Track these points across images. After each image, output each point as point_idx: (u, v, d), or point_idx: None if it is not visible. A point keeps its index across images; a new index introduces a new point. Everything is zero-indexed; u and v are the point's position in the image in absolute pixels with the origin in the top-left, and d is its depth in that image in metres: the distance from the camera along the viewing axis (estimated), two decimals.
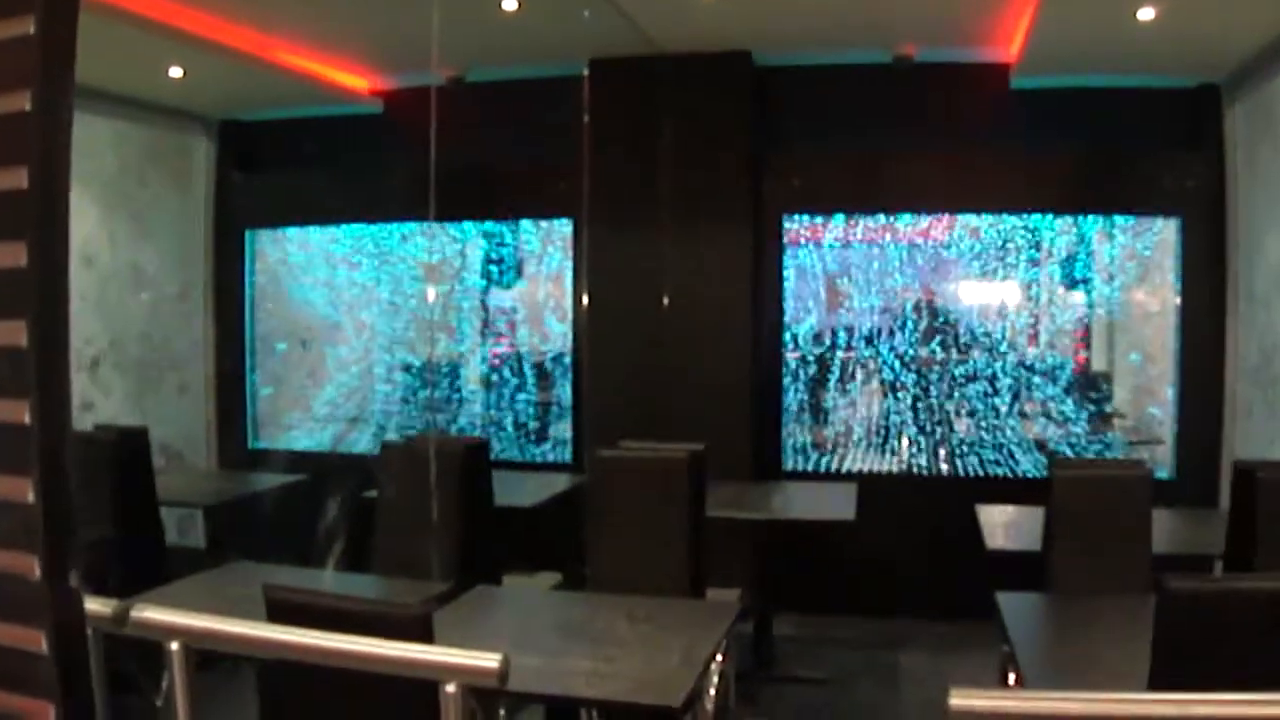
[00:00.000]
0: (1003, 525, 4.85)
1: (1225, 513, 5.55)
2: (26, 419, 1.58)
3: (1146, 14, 5.09)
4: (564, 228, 7.21)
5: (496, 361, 7.75)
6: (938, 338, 6.98)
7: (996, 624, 4.56)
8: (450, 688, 2.05)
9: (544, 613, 3.65)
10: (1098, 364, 7.28)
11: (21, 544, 1.59)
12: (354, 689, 2.36)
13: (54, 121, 1.60)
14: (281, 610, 2.47)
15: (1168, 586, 2.52)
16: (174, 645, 2.25)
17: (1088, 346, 7.25)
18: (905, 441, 6.89)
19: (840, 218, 6.97)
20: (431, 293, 7.74)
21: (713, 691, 3.14)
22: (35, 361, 1.57)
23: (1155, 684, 2.49)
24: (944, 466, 6.82)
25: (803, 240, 6.98)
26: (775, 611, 5.70)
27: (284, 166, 7.53)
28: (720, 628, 3.26)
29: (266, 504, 5.68)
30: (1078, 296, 7.23)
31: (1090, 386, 7.11)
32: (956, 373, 6.92)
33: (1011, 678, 4.31)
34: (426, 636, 2.34)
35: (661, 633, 3.32)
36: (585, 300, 6.62)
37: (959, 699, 2.00)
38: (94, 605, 2.04)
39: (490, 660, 2.04)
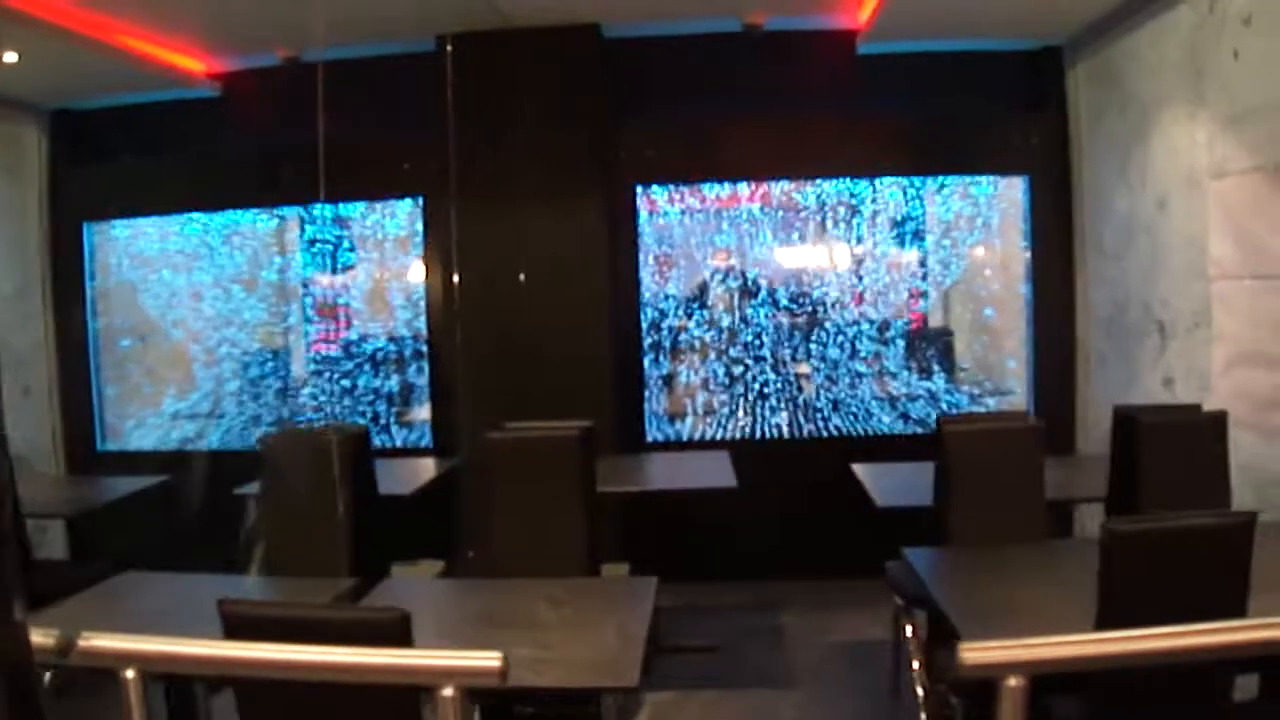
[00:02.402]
0: (883, 482, 4.88)
1: (1088, 457, 5.82)
2: None
3: None
4: (408, 207, 7.08)
5: (330, 347, 7.58)
6: (777, 303, 7.07)
7: (889, 580, 4.65)
8: (448, 691, 1.99)
9: (458, 603, 3.54)
10: (940, 320, 7.46)
11: None
12: (320, 705, 2.26)
13: None
14: (242, 625, 2.30)
15: (1113, 528, 2.61)
16: (129, 673, 2.13)
17: (926, 303, 7.43)
18: (761, 407, 6.96)
19: (670, 188, 7.02)
20: (265, 281, 7.54)
21: None
22: None
23: (1105, 622, 2.57)
24: (805, 429, 6.91)
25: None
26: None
27: (121, 155, 7.20)
28: (646, 604, 3.22)
29: (128, 509, 5.42)
30: (913, 255, 7.40)
31: (933, 343, 7.28)
32: (798, 337, 7.03)
33: (909, 629, 4.42)
34: (406, 640, 2.23)
35: (587, 614, 3.27)
36: (457, 279, 6.46)
37: (971, 653, 2.02)
38: (34, 636, 1.89)
39: (489, 659, 1.99)
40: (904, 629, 4.52)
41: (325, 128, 6.66)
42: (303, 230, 7.70)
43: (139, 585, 3.79)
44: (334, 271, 7.76)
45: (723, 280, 7.10)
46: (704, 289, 7.12)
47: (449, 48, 6.36)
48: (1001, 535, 4.01)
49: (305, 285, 7.75)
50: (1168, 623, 2.13)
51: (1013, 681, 2.08)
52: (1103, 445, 6.03)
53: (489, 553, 4.14)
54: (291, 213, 7.54)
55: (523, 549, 4.00)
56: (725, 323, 7.03)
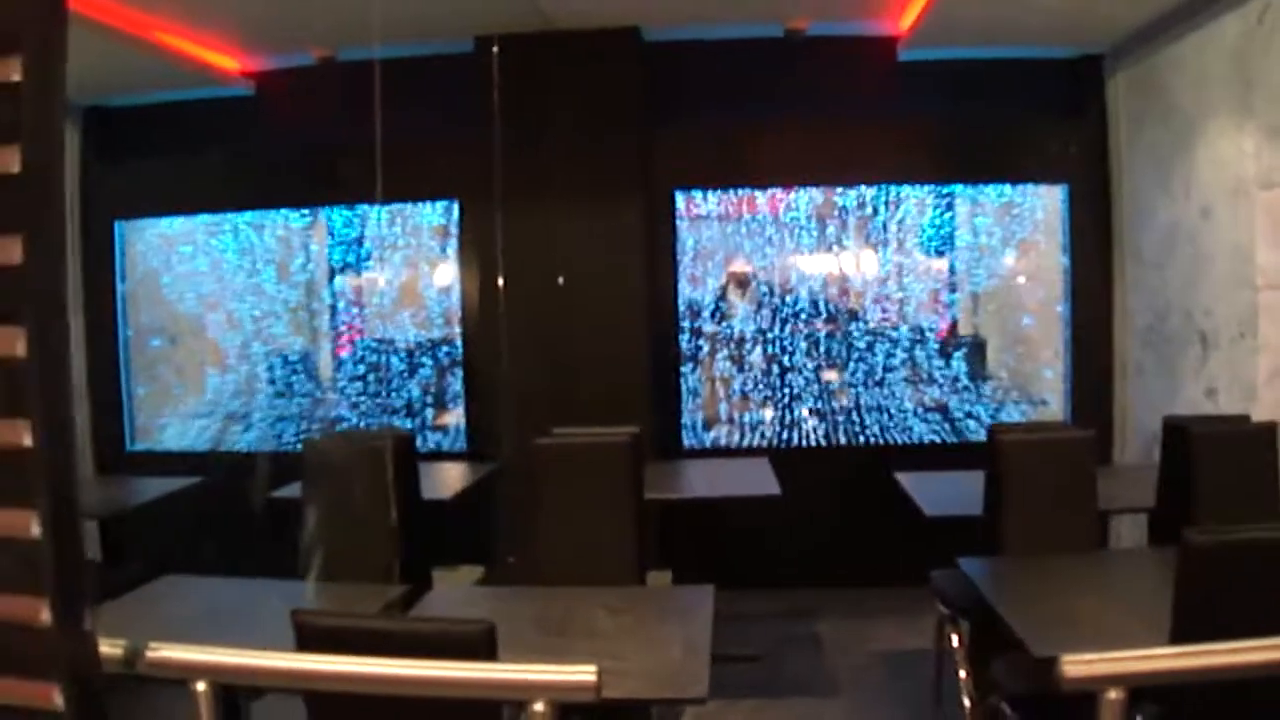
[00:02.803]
0: (927, 491, 4.84)
1: (1126, 468, 5.80)
2: (28, 441, 1.39)
3: None
4: (444, 209, 7.05)
5: (351, 349, 7.55)
6: (809, 309, 7.05)
7: (933, 589, 4.61)
8: (539, 706, 1.95)
9: (514, 611, 3.46)
10: (972, 329, 7.42)
11: (28, 586, 1.39)
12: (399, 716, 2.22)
13: (47, 89, 1.40)
14: (317, 637, 2.25)
15: (1193, 540, 2.58)
16: (200, 685, 2.07)
17: (957, 310, 7.39)
18: (793, 413, 6.93)
19: (709, 193, 7.00)
20: (298, 281, 7.52)
21: None
22: (37, 374, 1.39)
23: (1182, 635, 2.54)
24: (837, 435, 6.88)
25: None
26: None
27: (153, 153, 7.15)
28: (705, 613, 3.20)
29: (161, 510, 5.39)
30: (945, 262, 7.36)
31: (965, 351, 7.24)
32: (829, 343, 7.00)
33: (954, 639, 4.38)
34: (491, 653, 2.18)
35: (647, 623, 3.26)
36: (501, 282, 6.42)
37: (1073, 666, 1.99)
38: (102, 647, 1.85)
39: (583, 674, 1.96)
40: (949, 639, 4.48)
41: (359, 128, 6.70)
42: (333, 232, 7.67)
43: (181, 589, 3.77)
44: (363, 272, 7.73)
45: (753, 286, 7.07)
46: (734, 292, 7.08)
47: (495, 49, 6.32)
48: (1054, 545, 3.98)
49: (335, 286, 7.71)
50: (1246, 635, 2.10)
51: (1113, 694, 2.06)
52: (1141, 455, 6.06)
53: (533, 559, 4.10)
54: (324, 213, 7.50)
55: (570, 555, 3.97)
56: (755, 328, 6.99)
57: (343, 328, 7.74)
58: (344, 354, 7.64)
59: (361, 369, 7.48)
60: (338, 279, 7.72)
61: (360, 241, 7.58)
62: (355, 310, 7.77)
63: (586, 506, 3.99)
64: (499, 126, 6.32)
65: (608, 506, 3.99)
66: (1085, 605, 3.29)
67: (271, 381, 7.54)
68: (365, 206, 7.32)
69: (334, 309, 7.76)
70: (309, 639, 2.26)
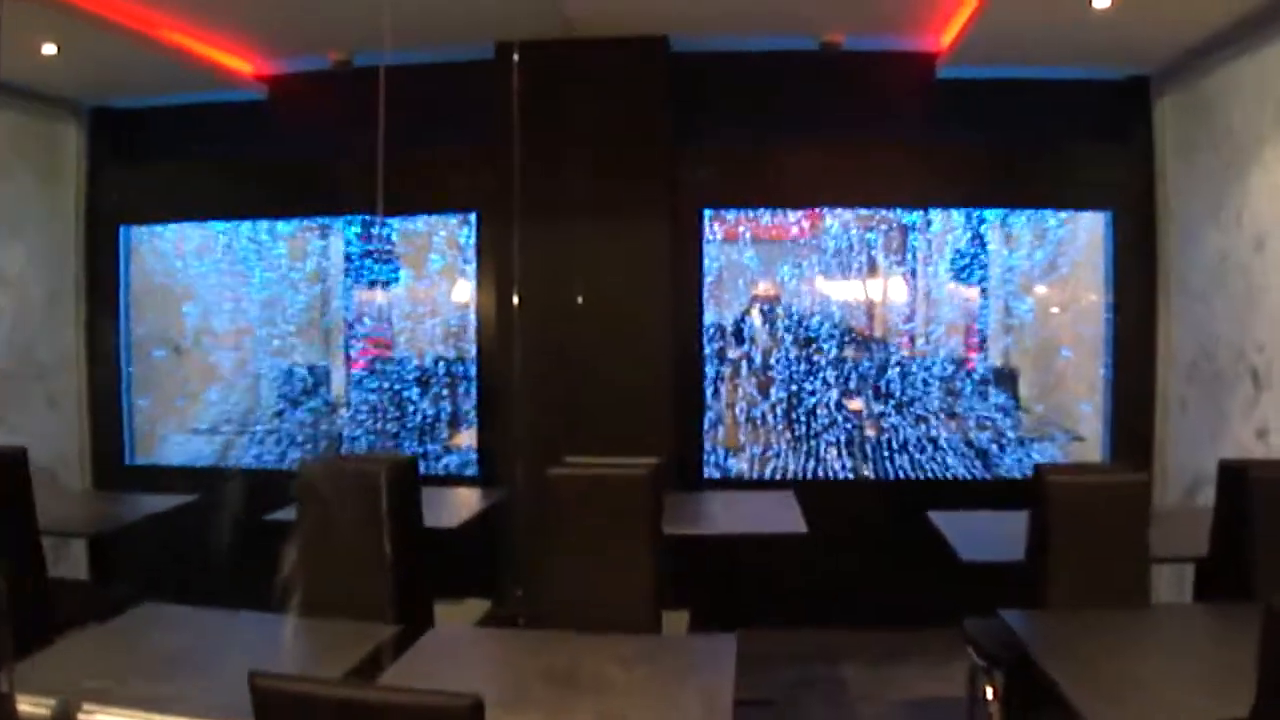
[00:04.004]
0: (961, 531, 4.54)
1: (1169, 513, 5.47)
2: None
3: (1102, 2, 4.88)
4: (459, 221, 6.81)
5: (372, 365, 7.34)
6: (834, 337, 6.83)
7: (967, 636, 4.33)
8: None
9: (519, 659, 3.20)
10: (1007, 361, 7.19)
11: None
12: None
13: None
14: (279, 706, 1.97)
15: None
16: None
17: (988, 341, 7.18)
18: (817, 445, 6.69)
19: (736, 213, 6.79)
20: (312, 293, 7.31)
21: None
22: None
23: (1264, 713, 2.24)
24: (863, 468, 6.62)
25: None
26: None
27: (161, 158, 6.94)
28: (726, 666, 2.96)
29: (155, 529, 5.15)
30: (977, 291, 7.15)
31: (999, 383, 7.01)
32: (855, 373, 6.79)
33: (989, 691, 4.10)
34: None
35: (664, 678, 2.99)
36: (516, 300, 6.18)
37: None
38: (26, 706, 1.59)
39: None
40: (983, 689, 4.20)
41: (376, 137, 6.48)
42: (347, 242, 7.48)
43: (156, 620, 3.50)
44: (377, 287, 7.54)
45: (779, 310, 6.83)
46: (758, 316, 6.84)
47: (515, 56, 6.08)
48: (1102, 597, 3.69)
49: (351, 299, 7.52)
50: None
51: None
52: (1181, 498, 5.76)
53: (543, 596, 3.84)
54: (336, 224, 7.30)
55: (582, 595, 3.70)
56: (781, 354, 6.75)
57: (358, 343, 7.54)
58: (358, 369, 7.43)
59: (376, 385, 7.27)
60: (354, 292, 7.53)
61: (377, 254, 7.37)
62: (372, 325, 7.57)
63: (600, 543, 3.72)
64: (518, 136, 6.10)
65: (623, 544, 3.72)
66: (1144, 669, 3.01)
67: (284, 397, 7.35)
68: (389, 218, 7.12)
69: (349, 323, 7.57)
70: (269, 708, 1.99)
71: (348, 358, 7.61)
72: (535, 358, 6.16)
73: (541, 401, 6.10)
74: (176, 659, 3.00)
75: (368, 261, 7.51)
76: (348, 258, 7.59)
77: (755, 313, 6.89)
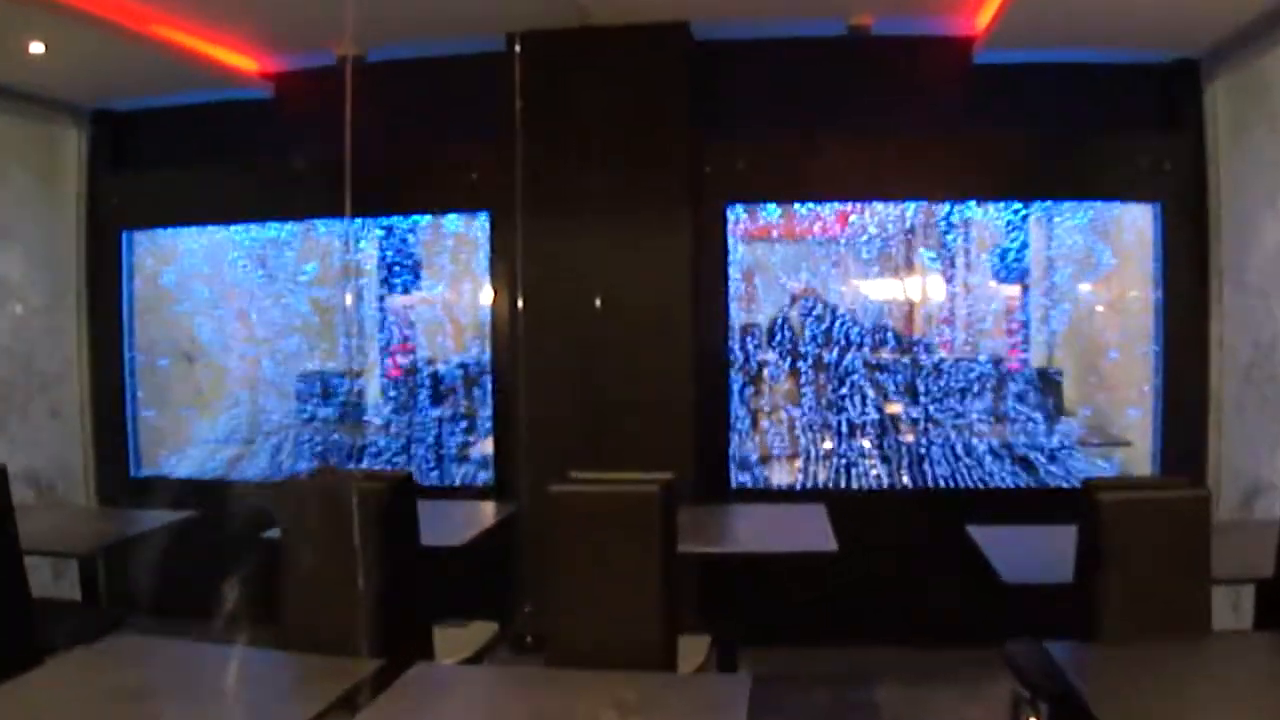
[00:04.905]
0: (1004, 547, 4.18)
1: (1229, 526, 5.09)
2: None
3: None
4: (477, 222, 6.51)
5: (398, 373, 7.10)
6: (875, 338, 6.53)
7: (1008, 662, 3.98)
8: None
9: (505, 703, 2.91)
10: (1051, 362, 6.88)
11: None
12: None
13: None
14: None
15: None
16: None
17: (1031, 341, 6.89)
18: (849, 450, 6.39)
19: (772, 209, 6.51)
20: (328, 298, 7.06)
21: None
22: None
23: None
24: (899, 476, 6.31)
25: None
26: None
27: (164, 160, 6.71)
28: (737, 715, 2.62)
29: (151, 547, 4.89)
30: (1018, 289, 6.86)
31: (1042, 386, 6.67)
32: (898, 376, 6.49)
33: None
34: None
35: None
36: (520, 303, 5.90)
37: None
38: None
39: None
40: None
41: (386, 134, 6.24)
42: (358, 245, 7.25)
43: (127, 652, 3.23)
44: (399, 291, 7.35)
45: (814, 311, 6.53)
46: (793, 318, 6.54)
47: (525, 47, 5.81)
48: (1157, 623, 3.32)
49: (373, 304, 7.31)
50: None
51: None
52: (1236, 508, 5.40)
53: (549, 619, 3.54)
54: (349, 225, 7.05)
55: (589, 620, 3.39)
56: (813, 357, 6.45)
57: (385, 349, 7.31)
58: (363, 379, 7.21)
59: (395, 395, 7.04)
60: (376, 297, 7.31)
61: (399, 257, 7.17)
62: (396, 330, 7.36)
63: (607, 567, 3.38)
64: (530, 132, 5.83)
65: (633, 566, 3.38)
66: (1202, 713, 2.70)
67: (304, 407, 7.11)
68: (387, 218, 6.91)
69: (360, 328, 7.35)
70: None
71: (360, 366, 7.38)
72: (548, 363, 5.88)
73: (555, 409, 5.82)
74: (140, 695, 2.73)
75: (392, 265, 7.30)
76: (361, 260, 7.37)
77: (794, 314, 6.59)
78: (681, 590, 3.62)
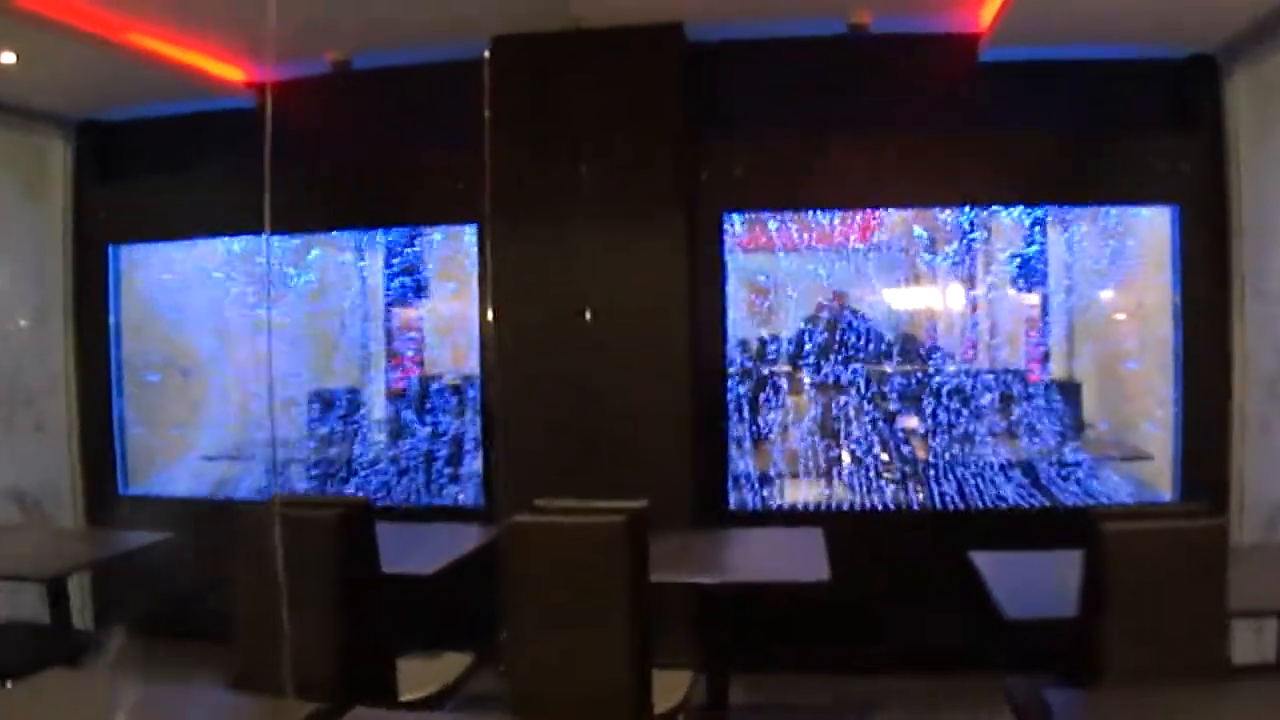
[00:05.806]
0: (1009, 577, 3.91)
1: (1245, 550, 4.79)
2: None
3: None
4: (467, 233, 6.31)
5: (399, 388, 6.95)
6: (879, 349, 6.31)
7: (1009, 700, 3.75)
8: None
9: None
10: (1066, 373, 6.65)
11: None
12: None
13: None
14: None
15: None
16: None
17: (1044, 351, 6.69)
18: (863, 469, 6.17)
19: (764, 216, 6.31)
20: (328, 311, 6.92)
21: None
22: None
23: None
24: (904, 496, 6.08)
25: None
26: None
27: (152, 172, 6.58)
28: None
29: (122, 569, 4.76)
30: (1035, 298, 6.64)
31: (1059, 398, 6.44)
32: (908, 388, 6.27)
33: None
34: None
35: None
36: (493, 316, 5.73)
37: None
38: None
39: None
40: None
41: (371, 144, 6.10)
42: (360, 257, 7.12)
43: (55, 690, 3.00)
44: (404, 305, 7.21)
45: (833, 322, 6.33)
46: (810, 332, 6.35)
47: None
48: (1171, 666, 3.06)
49: (374, 319, 7.19)
50: None
51: None
52: (1262, 531, 5.12)
53: (512, 658, 3.34)
54: (343, 238, 6.93)
55: (554, 659, 3.18)
56: (817, 370, 6.24)
57: (389, 363, 7.19)
58: (362, 394, 7.06)
59: (381, 410, 6.89)
60: (378, 310, 7.18)
61: (402, 269, 7.04)
62: (398, 344, 7.22)
63: (571, 603, 3.18)
64: (517, 137, 5.67)
65: (598, 603, 3.17)
66: None
67: (300, 424, 6.97)
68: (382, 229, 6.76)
69: (365, 345, 7.22)
70: None
71: (368, 381, 7.25)
72: (535, 380, 5.68)
73: (545, 425, 5.62)
74: None
75: (395, 277, 7.17)
76: (362, 272, 7.24)
77: (819, 324, 6.41)
78: (659, 622, 3.41)
